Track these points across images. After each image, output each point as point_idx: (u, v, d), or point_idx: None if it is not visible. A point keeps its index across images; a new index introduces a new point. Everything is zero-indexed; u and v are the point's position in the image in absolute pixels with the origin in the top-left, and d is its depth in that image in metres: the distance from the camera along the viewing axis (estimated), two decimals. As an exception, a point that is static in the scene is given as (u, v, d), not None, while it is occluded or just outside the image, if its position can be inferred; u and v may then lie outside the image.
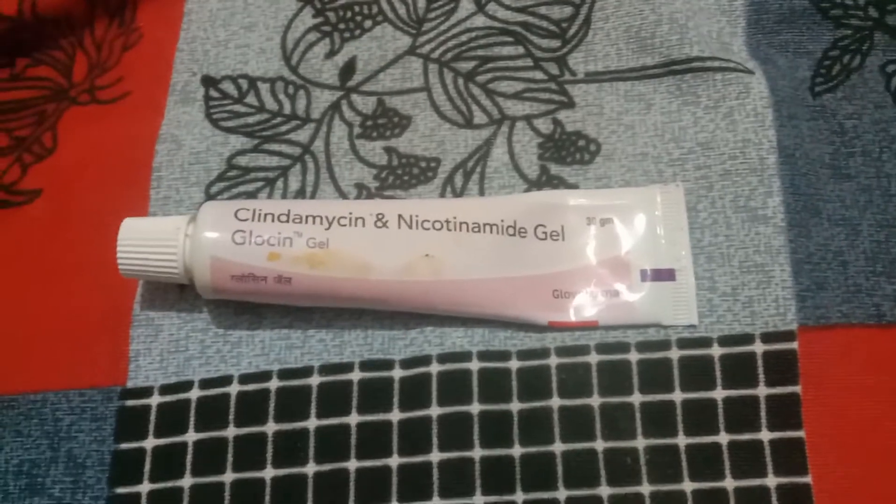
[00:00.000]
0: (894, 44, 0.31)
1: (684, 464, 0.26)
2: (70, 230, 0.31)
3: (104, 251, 0.29)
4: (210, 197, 0.31)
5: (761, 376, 0.27)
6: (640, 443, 0.26)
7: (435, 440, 0.27)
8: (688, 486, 0.26)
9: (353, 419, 0.27)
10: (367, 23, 0.33)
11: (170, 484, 0.27)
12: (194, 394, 0.28)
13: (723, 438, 0.26)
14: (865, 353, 0.27)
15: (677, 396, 0.27)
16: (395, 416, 0.27)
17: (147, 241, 0.27)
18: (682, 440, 0.26)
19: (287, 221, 0.27)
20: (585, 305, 0.28)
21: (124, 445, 0.28)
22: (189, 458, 0.27)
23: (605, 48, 0.32)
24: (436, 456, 0.26)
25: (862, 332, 0.27)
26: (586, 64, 0.32)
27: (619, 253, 0.28)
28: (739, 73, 0.30)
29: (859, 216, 0.29)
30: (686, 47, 0.31)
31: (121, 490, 0.27)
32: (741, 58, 0.31)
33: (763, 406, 0.26)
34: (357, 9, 0.33)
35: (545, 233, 0.28)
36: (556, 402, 0.27)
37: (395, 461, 0.27)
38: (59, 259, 0.31)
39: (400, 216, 0.28)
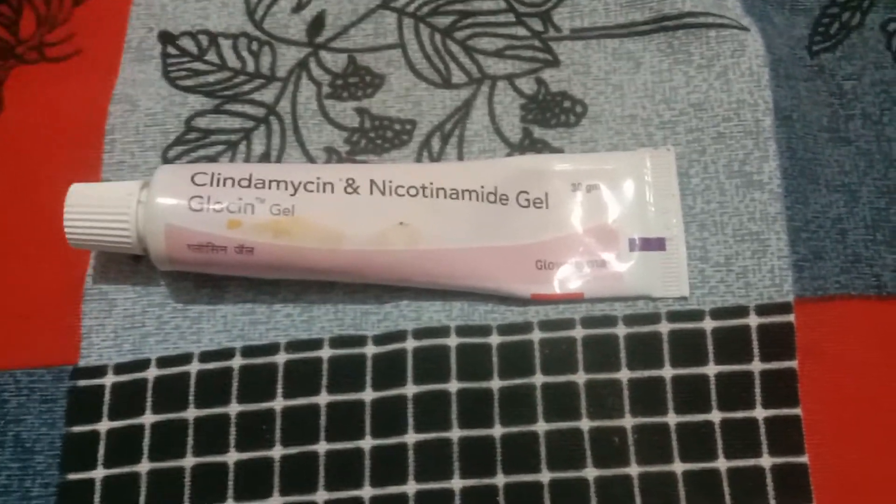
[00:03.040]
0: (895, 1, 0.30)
1: (675, 443, 0.25)
2: (17, 198, 0.29)
3: (54, 220, 0.27)
4: (167, 161, 0.29)
5: (756, 351, 0.26)
6: (628, 422, 0.25)
7: (411, 420, 0.26)
8: (678, 466, 0.25)
9: (323, 399, 0.26)
10: (338, -25, 0.31)
11: (126, 469, 0.26)
12: (151, 373, 0.27)
13: (715, 416, 0.25)
14: (865, 325, 0.26)
15: (667, 372, 0.26)
16: (368, 395, 0.26)
17: (97, 208, 0.26)
18: (672, 419, 0.25)
19: (249, 186, 0.25)
20: (570, 277, 0.27)
21: (76, 428, 0.26)
22: (146, 441, 0.26)
23: (591, 3, 0.30)
24: (411, 437, 0.25)
25: (861, 303, 0.26)
26: (572, 20, 0.30)
27: (607, 221, 0.27)
28: (734, 30, 0.29)
29: (859, 182, 0.28)
30: (678, 2, 0.30)
31: (73, 476, 0.26)
32: (736, 14, 0.29)
33: (758, 382, 0.25)
34: (326, -40, 0.31)
35: (528, 200, 0.27)
36: (538, 379, 0.26)
37: (367, 443, 0.25)
38: (5, 229, 0.29)
39: (372, 181, 0.26)
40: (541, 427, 0.25)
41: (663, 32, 0.29)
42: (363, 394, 0.26)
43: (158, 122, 0.30)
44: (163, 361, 0.27)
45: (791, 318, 0.26)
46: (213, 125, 0.30)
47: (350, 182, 0.26)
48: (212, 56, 0.30)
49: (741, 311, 0.26)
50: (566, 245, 0.27)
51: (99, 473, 0.26)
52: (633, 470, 0.25)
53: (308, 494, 0.25)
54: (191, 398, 0.26)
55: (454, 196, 0.26)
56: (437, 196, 0.26)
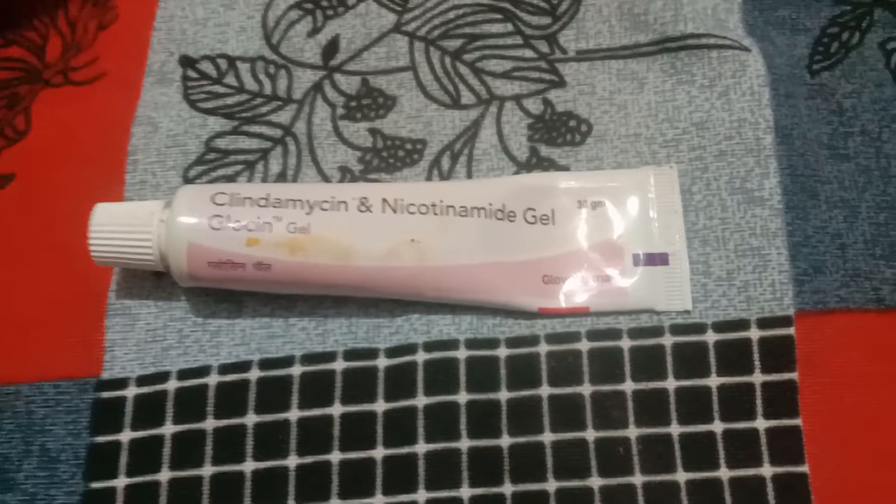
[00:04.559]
0: (894, 20, 0.31)
1: (678, 453, 0.25)
2: (43, 216, 0.30)
3: (78, 238, 0.28)
4: (188, 181, 0.30)
5: (757, 363, 0.26)
6: (633, 432, 0.26)
7: (421, 431, 0.26)
8: (681, 476, 0.25)
9: (337, 410, 0.26)
10: (351, 0, 0.32)
11: (147, 478, 0.26)
12: (172, 385, 0.27)
13: (717, 427, 0.26)
14: (864, 338, 0.26)
15: (670, 384, 0.26)
16: (380, 406, 0.26)
17: (120, 226, 0.26)
18: (675, 429, 0.26)
19: (266, 206, 0.26)
20: (576, 291, 0.27)
21: (100, 439, 0.27)
22: (167, 451, 0.26)
23: (596, 25, 0.31)
24: (422, 447, 0.26)
25: (861, 317, 0.27)
26: (577, 42, 0.31)
27: (611, 237, 0.28)
28: (735, 50, 0.29)
29: (858, 198, 0.28)
30: (680, 24, 0.30)
31: (96, 485, 0.26)
32: (737, 35, 0.30)
33: (759, 394, 0.26)
34: (340, -15, 0.32)
35: (535, 216, 0.28)
36: (545, 390, 0.26)
37: (379, 453, 0.26)
38: (32, 246, 0.30)
39: (384, 200, 0.27)
40: (547, 437, 0.26)
41: (666, 53, 0.30)
42: (375, 405, 0.26)
43: (179, 143, 0.30)
44: (183, 374, 0.27)
45: (791, 331, 0.26)
46: (231, 146, 0.30)
47: (363, 200, 0.27)
48: (230, 79, 0.31)
49: (743, 325, 0.26)
50: (572, 260, 0.27)
51: (121, 482, 0.26)
52: (637, 479, 0.25)
53: (322, 502, 0.25)
54: (209, 409, 0.27)
55: (463, 213, 0.27)
56: (447, 213, 0.27)
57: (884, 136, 0.29)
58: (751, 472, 0.25)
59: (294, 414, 0.26)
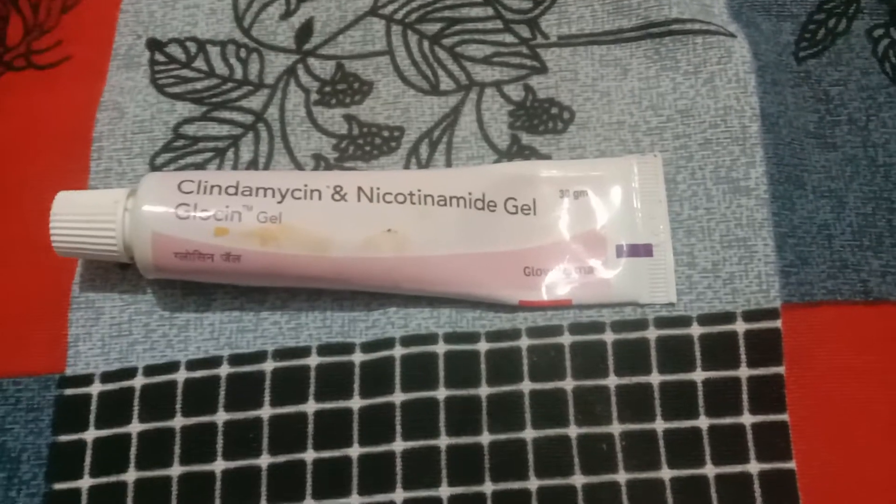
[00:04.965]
0: (882, 7, 0.30)
1: (662, 450, 0.25)
2: (4, 206, 0.29)
3: (41, 228, 0.27)
4: (155, 168, 0.29)
5: (743, 357, 0.26)
6: (616, 428, 0.25)
7: (398, 428, 0.25)
8: (666, 473, 0.25)
9: (311, 407, 0.26)
10: (326, -18, 0.31)
11: (112, 478, 0.25)
12: (138, 381, 0.26)
13: (703, 423, 0.25)
14: (851, 331, 0.26)
15: (655, 379, 0.26)
16: (356, 403, 0.26)
17: (83, 215, 0.26)
18: (659, 425, 0.25)
19: (236, 194, 0.25)
20: (558, 283, 0.27)
21: (63, 437, 0.26)
22: (133, 450, 0.26)
23: (579, 10, 0.30)
24: (399, 445, 0.25)
25: (848, 309, 0.26)
26: (560, 27, 0.30)
27: (594, 227, 0.27)
28: (721, 36, 0.29)
29: (845, 188, 0.28)
30: (665, 9, 0.29)
31: (59, 486, 0.26)
32: (723, 20, 0.29)
33: (745, 388, 0.25)
34: (315, -33, 0.31)
35: (516, 206, 0.27)
36: (526, 385, 0.26)
37: (355, 451, 0.25)
38: (-8, 237, 0.29)
39: (360, 188, 0.26)
40: (529, 434, 0.25)
41: (650, 39, 0.29)
42: (351, 401, 0.26)
43: (146, 130, 0.29)
44: (150, 370, 0.26)
45: (778, 323, 0.26)
46: (200, 132, 0.29)
47: (338, 189, 0.26)
48: (200, 63, 0.30)
49: (728, 317, 0.26)
50: (554, 251, 0.27)
51: (85, 483, 0.25)
52: (621, 477, 0.25)
53: (295, 503, 0.25)
54: (178, 407, 0.26)
55: (442, 203, 0.26)
56: (425, 203, 0.26)
57: (871, 125, 0.29)
58: (737, 468, 0.25)
59: (266, 411, 0.26)
